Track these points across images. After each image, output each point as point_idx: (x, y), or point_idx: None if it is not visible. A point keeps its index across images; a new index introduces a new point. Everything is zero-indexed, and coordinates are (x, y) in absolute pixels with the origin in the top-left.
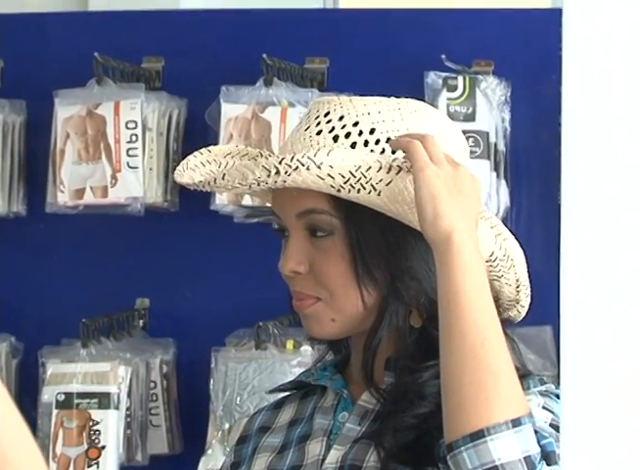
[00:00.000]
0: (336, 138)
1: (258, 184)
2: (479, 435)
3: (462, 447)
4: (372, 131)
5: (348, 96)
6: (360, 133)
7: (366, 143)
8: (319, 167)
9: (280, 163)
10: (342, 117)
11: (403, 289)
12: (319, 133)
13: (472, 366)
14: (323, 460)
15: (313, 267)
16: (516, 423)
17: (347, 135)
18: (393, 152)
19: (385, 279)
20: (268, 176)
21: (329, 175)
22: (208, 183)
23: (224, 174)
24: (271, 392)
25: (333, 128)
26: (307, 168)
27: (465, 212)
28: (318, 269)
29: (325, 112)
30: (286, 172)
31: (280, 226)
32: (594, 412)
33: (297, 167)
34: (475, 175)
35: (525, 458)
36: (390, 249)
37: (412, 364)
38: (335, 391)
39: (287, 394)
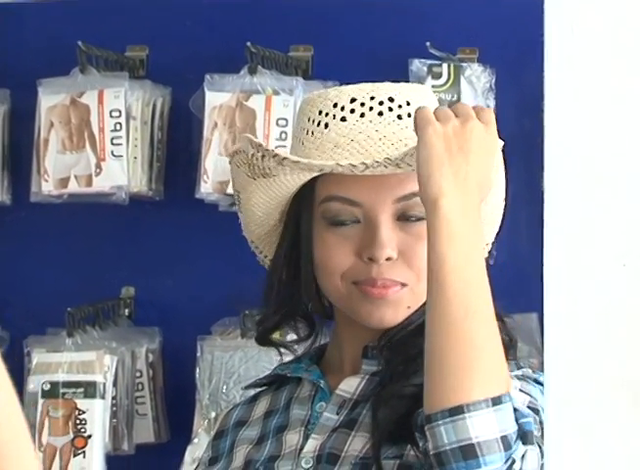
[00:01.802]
0: None
1: None
2: (457, 411)
3: (440, 421)
4: None
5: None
6: None
7: None
8: None
9: None
10: (409, 103)
11: None
12: (400, 117)
13: (454, 338)
14: (301, 450)
15: (403, 253)
16: (496, 401)
17: None
18: None
19: None
20: None
21: None
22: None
23: (413, 153)
24: (247, 387)
25: (409, 114)
26: None
27: (460, 175)
28: (411, 254)
29: (387, 96)
30: None
31: (349, 215)
32: (578, 398)
33: None
34: (492, 134)
35: (501, 438)
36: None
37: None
38: (311, 382)
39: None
